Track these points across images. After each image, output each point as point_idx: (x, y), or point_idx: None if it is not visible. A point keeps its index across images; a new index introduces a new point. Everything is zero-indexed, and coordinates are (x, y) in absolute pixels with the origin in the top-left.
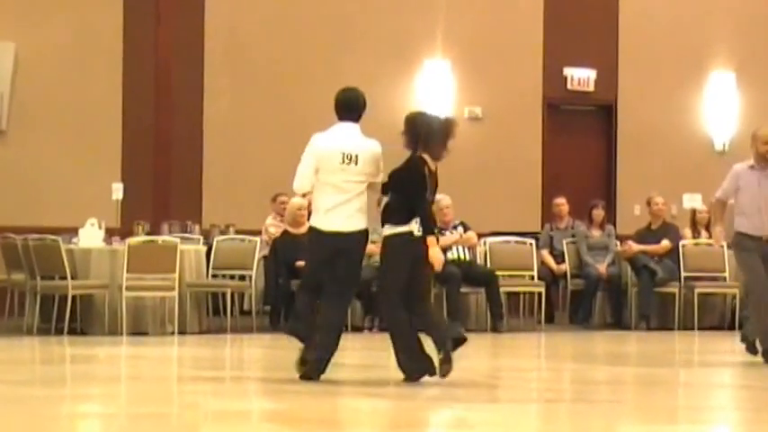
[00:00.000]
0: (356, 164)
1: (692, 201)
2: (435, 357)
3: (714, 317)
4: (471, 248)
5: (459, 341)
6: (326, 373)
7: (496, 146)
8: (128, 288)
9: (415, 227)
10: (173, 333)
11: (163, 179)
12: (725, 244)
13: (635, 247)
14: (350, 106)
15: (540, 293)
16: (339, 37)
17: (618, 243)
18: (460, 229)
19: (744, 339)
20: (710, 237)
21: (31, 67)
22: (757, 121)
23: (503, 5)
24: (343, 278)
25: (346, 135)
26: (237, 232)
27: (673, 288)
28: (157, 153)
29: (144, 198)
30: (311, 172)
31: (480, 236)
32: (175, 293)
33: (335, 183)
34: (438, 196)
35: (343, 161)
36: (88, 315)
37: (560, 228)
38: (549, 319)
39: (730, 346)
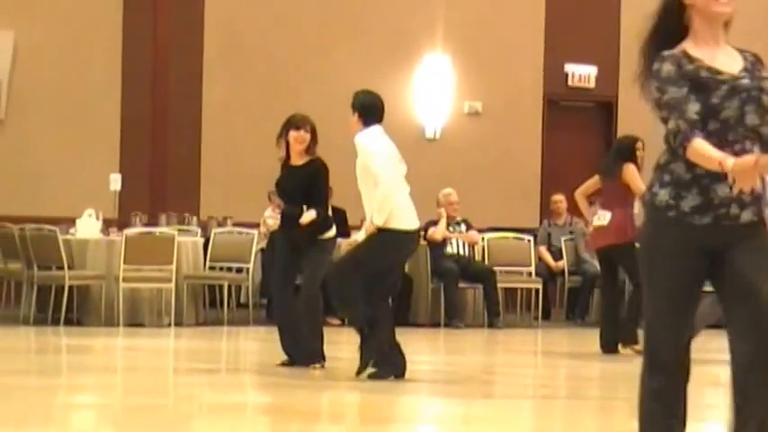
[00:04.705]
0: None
1: None
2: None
3: (712, 315)
4: (471, 246)
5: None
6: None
7: (496, 141)
8: (124, 279)
9: None
10: (169, 325)
11: (161, 170)
12: None
13: None
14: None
15: (537, 290)
16: (338, 30)
17: None
18: (464, 226)
19: None
20: None
21: (30, 56)
22: None
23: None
24: None
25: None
26: (235, 225)
27: None
28: (155, 144)
29: (142, 189)
30: None
31: (478, 231)
32: (172, 285)
33: None
34: (447, 190)
35: None
36: (84, 306)
37: (558, 224)
38: (546, 315)
39: (724, 344)
